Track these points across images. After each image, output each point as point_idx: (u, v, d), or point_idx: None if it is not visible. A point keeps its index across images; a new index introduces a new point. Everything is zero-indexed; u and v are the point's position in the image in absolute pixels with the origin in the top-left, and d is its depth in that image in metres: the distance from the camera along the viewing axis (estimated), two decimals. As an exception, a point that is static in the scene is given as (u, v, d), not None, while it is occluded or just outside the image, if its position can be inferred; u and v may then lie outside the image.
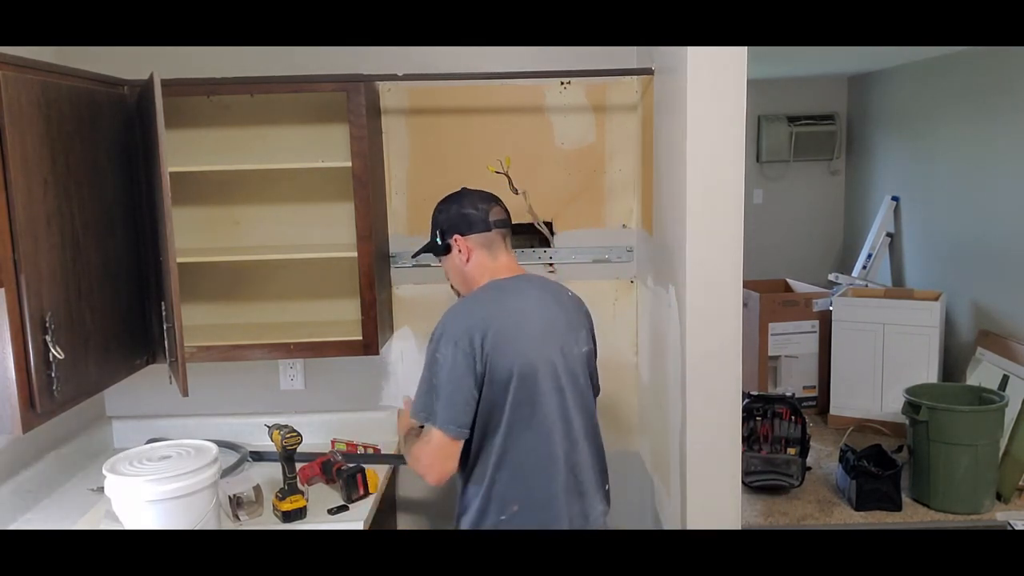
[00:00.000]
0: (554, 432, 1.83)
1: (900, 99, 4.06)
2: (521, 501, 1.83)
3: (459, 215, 1.94)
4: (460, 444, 1.80)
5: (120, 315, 2.09)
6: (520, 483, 1.82)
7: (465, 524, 1.88)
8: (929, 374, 2.86)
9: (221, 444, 2.20)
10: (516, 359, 1.78)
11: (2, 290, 1.66)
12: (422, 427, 1.87)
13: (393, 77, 2.43)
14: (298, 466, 2.23)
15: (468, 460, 1.85)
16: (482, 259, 1.94)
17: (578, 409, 1.89)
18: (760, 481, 2.46)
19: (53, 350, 1.76)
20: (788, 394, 2.71)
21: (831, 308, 3.07)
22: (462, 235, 1.93)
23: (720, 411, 1.97)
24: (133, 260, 2.16)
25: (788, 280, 3.61)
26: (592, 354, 2.00)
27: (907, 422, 2.44)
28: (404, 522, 2.79)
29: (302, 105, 2.55)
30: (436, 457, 1.79)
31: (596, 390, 2.02)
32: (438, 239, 1.96)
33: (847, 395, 2.98)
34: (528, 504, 1.83)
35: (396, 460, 2.65)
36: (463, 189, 2.01)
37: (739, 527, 2.02)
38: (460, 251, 1.93)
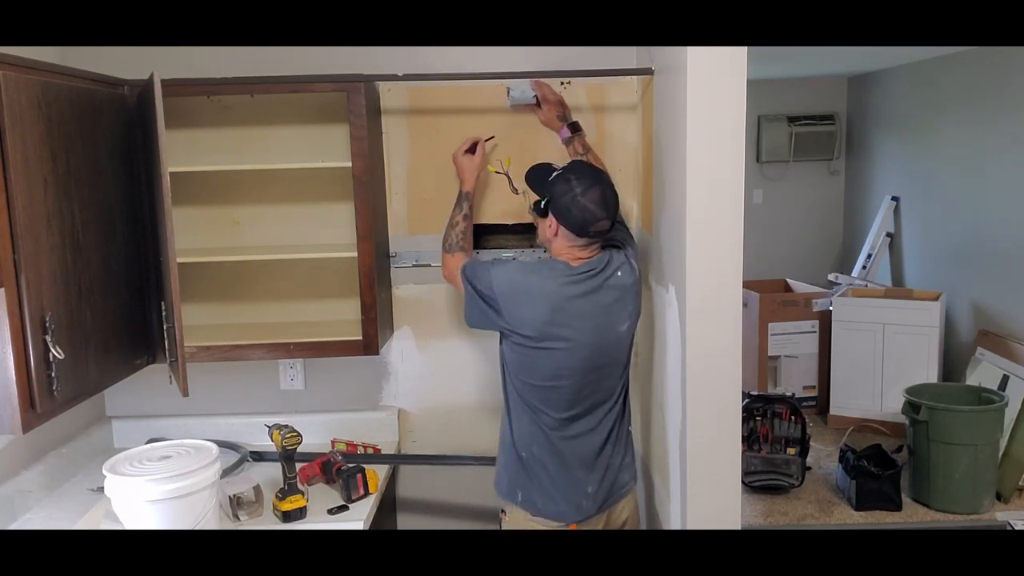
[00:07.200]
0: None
1: (900, 99, 4.06)
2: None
3: (567, 207, 2.03)
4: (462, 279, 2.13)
5: (120, 315, 2.09)
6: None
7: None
8: (929, 374, 2.85)
9: (221, 444, 2.21)
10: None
11: (2, 290, 1.66)
12: (465, 217, 2.30)
13: (393, 77, 2.43)
14: (298, 466, 2.23)
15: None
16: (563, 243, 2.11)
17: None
18: (760, 481, 2.46)
19: (53, 350, 1.76)
20: (788, 394, 2.71)
21: (831, 308, 3.07)
22: (557, 220, 2.06)
23: (720, 411, 1.96)
24: (133, 260, 2.16)
25: (788, 280, 3.61)
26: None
27: (907, 422, 2.43)
28: (404, 522, 2.79)
29: (302, 105, 2.55)
30: (453, 275, 2.20)
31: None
32: (542, 204, 2.10)
33: (847, 395, 2.98)
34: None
35: (396, 460, 2.65)
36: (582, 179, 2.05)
37: (739, 527, 2.02)
38: (550, 226, 2.08)
